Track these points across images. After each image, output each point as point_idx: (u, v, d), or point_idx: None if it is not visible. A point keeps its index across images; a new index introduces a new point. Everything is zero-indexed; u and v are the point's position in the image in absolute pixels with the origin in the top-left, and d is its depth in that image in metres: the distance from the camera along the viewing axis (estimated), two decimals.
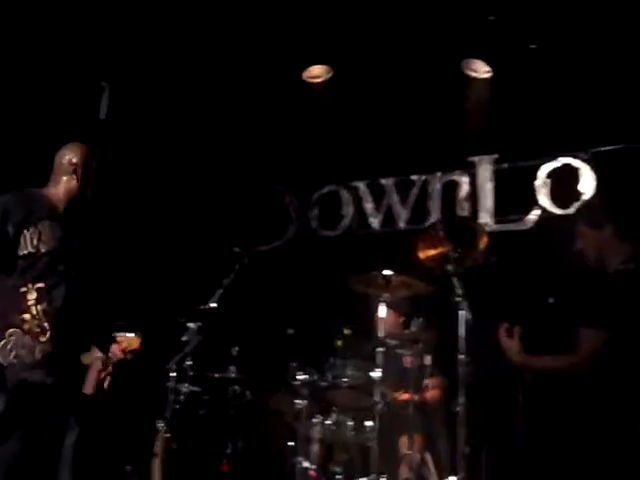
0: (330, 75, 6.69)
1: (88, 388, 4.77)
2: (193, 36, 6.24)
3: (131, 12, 5.89)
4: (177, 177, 7.05)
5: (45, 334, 3.65)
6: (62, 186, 3.89)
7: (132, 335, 4.26)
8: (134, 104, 6.18)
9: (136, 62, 6.16)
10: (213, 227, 6.99)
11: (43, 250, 3.70)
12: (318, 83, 6.72)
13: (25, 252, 3.68)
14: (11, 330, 3.62)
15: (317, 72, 6.71)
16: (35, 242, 3.69)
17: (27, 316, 3.64)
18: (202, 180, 7.09)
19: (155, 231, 6.93)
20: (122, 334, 4.24)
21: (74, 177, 3.89)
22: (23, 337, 3.64)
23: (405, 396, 5.15)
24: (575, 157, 6.22)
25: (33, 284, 3.65)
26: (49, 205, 3.85)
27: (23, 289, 3.63)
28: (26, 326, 3.63)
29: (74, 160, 3.90)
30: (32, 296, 3.63)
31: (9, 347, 3.63)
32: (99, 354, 4.48)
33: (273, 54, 6.36)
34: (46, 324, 3.64)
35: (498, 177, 6.47)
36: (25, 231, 3.69)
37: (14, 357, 3.64)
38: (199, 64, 6.45)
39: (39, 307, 3.63)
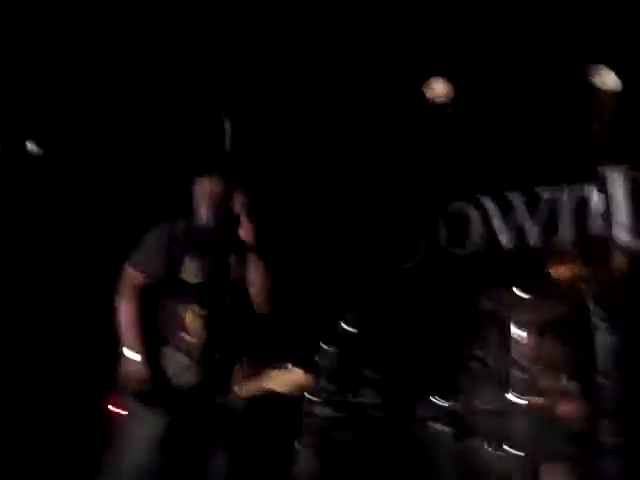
0: (453, 93, 6.66)
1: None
2: (316, 62, 6.36)
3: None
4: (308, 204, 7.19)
5: (203, 354, 3.82)
6: (209, 215, 4.02)
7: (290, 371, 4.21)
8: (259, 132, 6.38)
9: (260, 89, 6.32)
10: (346, 249, 7.07)
11: (199, 278, 3.87)
12: (440, 101, 6.70)
13: (182, 277, 3.87)
14: (170, 348, 3.81)
15: (439, 90, 6.70)
16: (194, 269, 3.88)
17: (186, 336, 3.82)
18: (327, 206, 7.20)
19: (286, 255, 7.05)
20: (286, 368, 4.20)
21: (218, 206, 4.04)
22: (182, 356, 3.82)
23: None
24: None
25: (190, 305, 3.82)
26: (198, 233, 4.02)
27: (180, 310, 3.81)
28: (184, 345, 3.81)
29: (215, 190, 4.05)
30: (190, 317, 3.80)
31: (168, 365, 3.82)
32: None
33: (395, 71, 6.43)
34: (203, 344, 3.80)
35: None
36: (186, 258, 3.89)
37: (173, 375, 3.81)
38: (323, 88, 6.56)
39: (197, 327, 3.79)
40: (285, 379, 4.17)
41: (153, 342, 3.86)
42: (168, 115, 6.44)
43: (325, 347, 5.48)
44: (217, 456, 4.08)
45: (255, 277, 3.99)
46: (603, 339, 4.25)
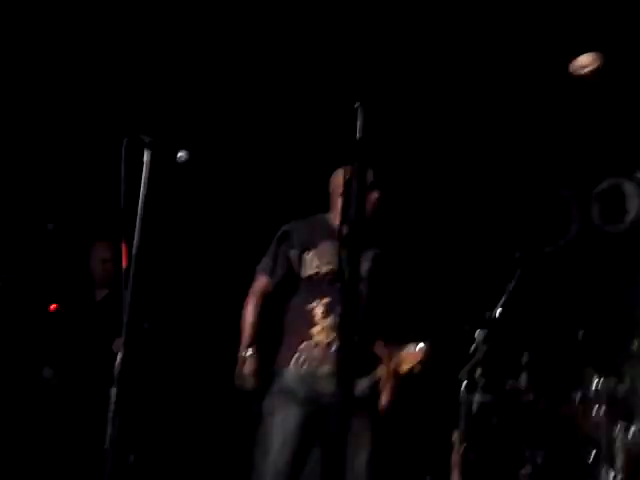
0: (600, 63, 6.40)
1: (383, 402, 4.91)
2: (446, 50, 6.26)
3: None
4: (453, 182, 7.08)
5: (333, 346, 3.83)
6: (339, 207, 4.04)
7: (415, 349, 4.28)
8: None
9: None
10: (493, 232, 6.92)
11: (324, 270, 3.87)
12: (587, 73, 6.46)
13: (309, 273, 3.89)
14: (303, 344, 3.84)
15: (585, 61, 6.45)
16: (317, 263, 3.89)
17: (316, 329, 3.84)
18: (483, 185, 7.07)
19: (435, 239, 7.01)
20: (409, 348, 4.28)
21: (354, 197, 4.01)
22: (313, 350, 3.84)
23: None
24: None
25: (319, 300, 3.84)
26: (329, 227, 4.02)
27: (310, 305, 3.84)
28: (316, 339, 3.84)
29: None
30: (319, 310, 3.82)
31: (301, 360, 3.86)
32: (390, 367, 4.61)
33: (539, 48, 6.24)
34: (334, 336, 3.81)
35: None
36: (306, 253, 3.91)
37: (307, 369, 3.84)
38: (456, 73, 6.46)
39: (326, 321, 3.82)
40: (410, 357, 4.29)
41: (277, 342, 3.93)
42: (301, 109, 6.53)
43: (477, 332, 5.40)
44: (359, 452, 4.08)
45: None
46: None
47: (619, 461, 4.73)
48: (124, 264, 3.18)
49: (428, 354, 4.40)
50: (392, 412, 4.46)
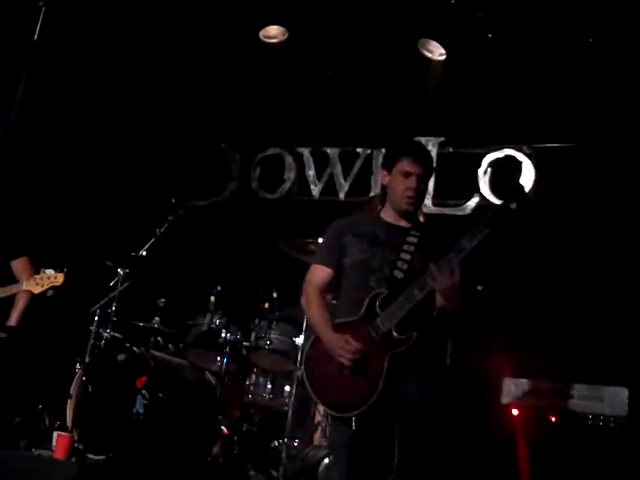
0: (286, 36, 6.65)
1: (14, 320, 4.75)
2: None
3: None
4: (127, 123, 7.00)
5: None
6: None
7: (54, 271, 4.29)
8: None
9: None
10: (154, 176, 6.93)
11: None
12: (274, 44, 6.69)
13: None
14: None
15: (273, 33, 6.67)
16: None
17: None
18: (150, 128, 7.04)
19: (97, 173, 6.88)
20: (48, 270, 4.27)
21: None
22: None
23: None
24: (519, 150, 6.33)
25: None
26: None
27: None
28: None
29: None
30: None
31: None
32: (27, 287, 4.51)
33: (231, 12, 6.33)
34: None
35: (442, 160, 6.50)
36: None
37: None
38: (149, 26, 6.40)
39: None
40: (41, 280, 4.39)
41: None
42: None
43: (118, 270, 5.38)
44: None
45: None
46: None
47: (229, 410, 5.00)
48: None
49: (64, 281, 4.41)
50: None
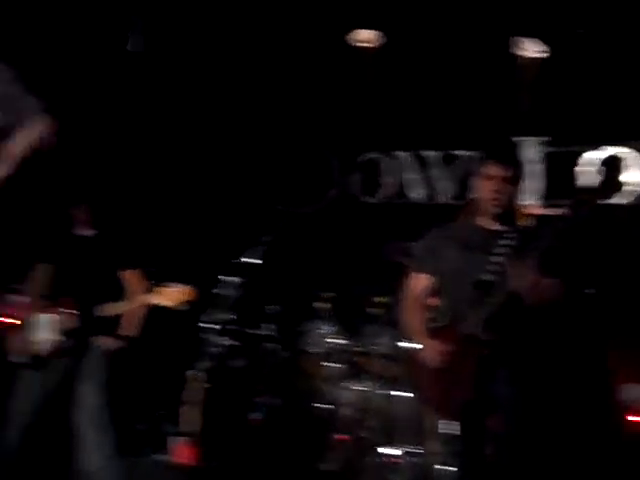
0: (380, 41, 6.67)
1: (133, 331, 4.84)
2: None
3: None
4: (227, 133, 7.10)
5: None
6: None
7: (179, 288, 4.32)
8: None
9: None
10: (258, 184, 7.03)
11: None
12: (368, 48, 6.71)
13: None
14: None
15: (366, 37, 6.70)
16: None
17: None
18: (252, 137, 7.12)
19: (202, 185, 7.02)
20: (174, 284, 4.31)
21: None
22: None
23: None
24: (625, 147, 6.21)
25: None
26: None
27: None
28: None
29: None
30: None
31: None
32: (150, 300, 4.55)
33: (324, 17, 6.38)
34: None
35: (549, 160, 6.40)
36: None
37: None
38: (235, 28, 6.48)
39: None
40: (170, 294, 4.32)
41: None
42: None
43: (226, 278, 5.49)
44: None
45: None
46: None
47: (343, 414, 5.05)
48: None
49: (191, 296, 4.41)
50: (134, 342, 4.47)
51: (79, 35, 6.04)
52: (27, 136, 3.37)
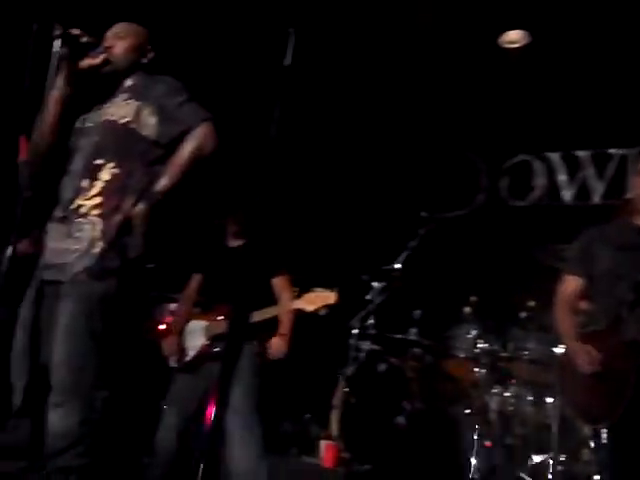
0: (528, 41, 6.53)
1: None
2: None
3: None
4: (373, 138, 7.14)
5: None
6: None
7: (326, 293, 4.34)
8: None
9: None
10: (402, 190, 7.04)
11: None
12: (515, 49, 6.60)
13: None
14: None
15: (514, 37, 6.58)
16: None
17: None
18: (397, 142, 7.14)
19: (347, 191, 7.09)
20: (317, 289, 4.35)
21: None
22: None
23: None
24: None
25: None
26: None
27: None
28: None
29: None
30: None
31: None
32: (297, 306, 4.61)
33: (469, 19, 6.31)
34: None
35: None
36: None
37: None
38: (381, 34, 6.49)
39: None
40: (313, 299, 4.33)
41: None
42: None
43: (374, 283, 5.52)
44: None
45: None
46: None
47: (490, 420, 4.96)
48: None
49: (337, 300, 4.43)
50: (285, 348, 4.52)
51: (241, 47, 6.28)
52: (191, 147, 3.37)
